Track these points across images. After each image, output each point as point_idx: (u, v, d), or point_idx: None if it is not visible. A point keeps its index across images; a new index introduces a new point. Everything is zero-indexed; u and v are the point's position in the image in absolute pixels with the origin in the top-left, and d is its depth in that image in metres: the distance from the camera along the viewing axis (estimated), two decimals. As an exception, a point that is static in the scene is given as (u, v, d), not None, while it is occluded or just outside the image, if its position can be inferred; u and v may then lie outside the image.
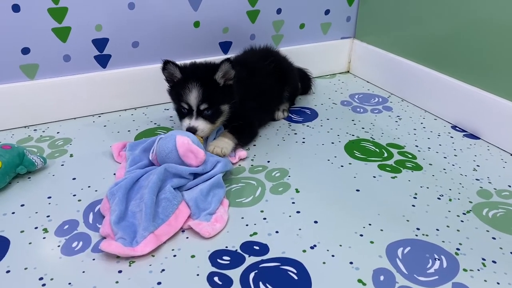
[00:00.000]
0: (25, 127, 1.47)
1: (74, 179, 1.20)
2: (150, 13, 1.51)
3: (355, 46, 1.96)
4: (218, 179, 1.11)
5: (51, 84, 1.46)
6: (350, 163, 1.28)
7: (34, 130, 1.45)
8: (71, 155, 1.31)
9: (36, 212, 1.07)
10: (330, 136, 1.44)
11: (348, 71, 2.02)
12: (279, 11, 1.74)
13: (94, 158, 1.30)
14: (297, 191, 1.15)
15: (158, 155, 1.14)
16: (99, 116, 1.56)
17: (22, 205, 1.10)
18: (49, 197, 1.13)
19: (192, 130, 1.23)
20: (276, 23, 1.76)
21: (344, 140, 1.41)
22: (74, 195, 1.14)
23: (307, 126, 1.50)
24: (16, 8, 1.32)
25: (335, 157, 1.31)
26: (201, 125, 1.25)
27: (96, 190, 1.16)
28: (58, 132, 1.44)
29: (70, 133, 1.44)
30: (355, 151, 1.34)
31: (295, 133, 1.45)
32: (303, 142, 1.40)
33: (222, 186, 1.11)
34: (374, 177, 1.22)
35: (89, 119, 1.53)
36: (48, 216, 1.06)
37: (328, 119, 1.55)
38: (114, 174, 1.22)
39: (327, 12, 1.85)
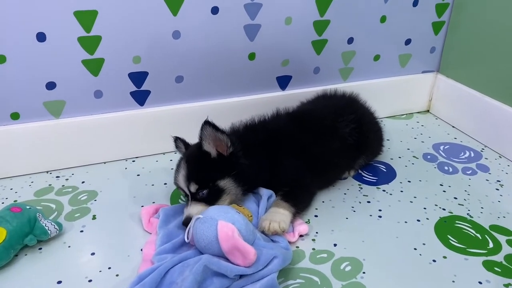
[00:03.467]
0: (47, 172, 1.26)
1: (92, 254, 0.97)
2: (198, 43, 1.27)
3: (438, 81, 1.63)
4: (272, 281, 0.84)
5: (79, 123, 1.24)
6: (444, 257, 0.97)
7: (57, 177, 1.24)
8: (94, 217, 1.09)
9: (39, 306, 0.85)
10: (415, 208, 1.13)
11: (428, 111, 1.69)
12: (350, 40, 1.45)
13: (120, 223, 1.07)
14: (375, 299, 0.86)
15: (196, 242, 0.89)
16: (133, 161, 1.33)
17: (25, 292, 0.87)
18: (59, 282, 0.90)
19: (187, 220, 0.96)
20: (346, 54, 1.47)
21: (434, 217, 1.10)
22: (90, 281, 0.90)
23: (383, 191, 1.20)
24: (41, 37, 1.11)
25: (424, 244, 1.01)
26: (194, 211, 0.97)
27: (117, 275, 0.92)
28: (83, 182, 1.22)
29: (97, 183, 1.21)
30: (449, 236, 1.03)
31: (368, 201, 1.15)
32: (380, 217, 1.10)
33: None
34: (480, 283, 0.90)
35: (121, 165, 1.31)
36: (53, 315, 0.83)
37: (409, 181, 1.24)
38: (142, 250, 0.97)
39: (408, 41, 1.54)
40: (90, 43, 1.16)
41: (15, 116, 1.18)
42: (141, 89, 1.28)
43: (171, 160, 1.34)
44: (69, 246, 1.00)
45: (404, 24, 1.50)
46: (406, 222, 1.08)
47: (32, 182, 1.22)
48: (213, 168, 1.00)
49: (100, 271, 0.93)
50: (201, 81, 1.32)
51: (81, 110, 1.24)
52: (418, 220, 1.08)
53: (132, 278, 0.85)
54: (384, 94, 1.57)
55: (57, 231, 1.00)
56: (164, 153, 1.37)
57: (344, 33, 1.43)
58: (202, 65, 1.30)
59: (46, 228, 0.98)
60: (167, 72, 1.28)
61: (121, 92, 1.26)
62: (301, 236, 1.03)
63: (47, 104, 1.20)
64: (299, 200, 1.06)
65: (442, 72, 1.63)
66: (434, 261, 0.96)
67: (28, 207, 1.00)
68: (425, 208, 1.13)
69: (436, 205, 1.14)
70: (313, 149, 1.12)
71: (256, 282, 0.84)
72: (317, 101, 1.28)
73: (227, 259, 0.85)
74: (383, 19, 1.45)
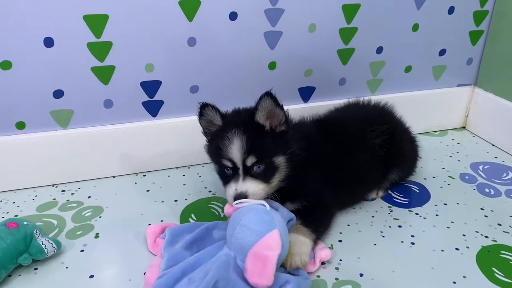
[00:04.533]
0: (52, 185, 1.19)
1: (91, 277, 0.88)
2: (215, 51, 1.18)
3: (476, 96, 1.50)
4: None
5: (87, 134, 1.17)
6: (489, 292, 0.84)
7: (62, 191, 1.17)
8: (97, 235, 1.00)
9: (28, 334, 0.76)
10: (452, 235, 1.00)
11: (464, 127, 1.55)
12: (379, 50, 1.34)
13: (124, 242, 0.98)
14: None
15: (233, 220, 0.82)
16: (144, 176, 1.24)
17: (14, 318, 0.79)
18: (52, 308, 0.81)
19: (241, 197, 0.87)
20: (374, 64, 1.36)
21: (475, 245, 0.96)
22: (86, 308, 0.81)
23: (416, 214, 1.07)
24: (49, 42, 1.05)
25: (465, 277, 0.87)
26: (252, 187, 0.89)
27: (115, 301, 0.82)
28: (89, 197, 1.14)
29: (103, 198, 1.13)
30: (494, 269, 0.90)
31: (399, 226, 1.03)
32: (412, 244, 0.97)
33: None
34: (534, 327, 0.77)
35: (131, 179, 1.22)
36: None
37: (445, 204, 1.11)
38: (145, 273, 0.88)
39: (442, 52, 1.42)
40: (100, 49, 1.10)
41: (20, 126, 1.12)
42: (153, 99, 1.20)
43: (183, 175, 1.25)
44: (67, 267, 0.91)
45: (439, 33, 1.38)
46: (442, 250, 0.95)
47: (36, 195, 1.14)
48: (271, 142, 0.91)
49: (97, 296, 0.84)
50: (218, 91, 1.23)
51: (90, 120, 1.17)
52: (457, 249, 0.95)
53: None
54: (416, 109, 1.44)
55: (55, 250, 0.92)
56: (177, 168, 1.28)
57: (373, 42, 1.33)
58: (218, 75, 1.22)
59: (43, 246, 0.90)
60: (181, 81, 1.20)
61: (132, 102, 1.18)
62: (323, 263, 0.91)
63: (54, 114, 1.13)
64: (320, 224, 0.95)
65: (479, 85, 1.50)
66: (477, 297, 0.83)
67: (25, 222, 0.93)
68: (464, 235, 1.00)
69: (477, 231, 1.01)
70: (336, 159, 1.01)
71: None
72: (347, 108, 1.17)
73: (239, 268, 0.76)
74: (415, 27, 1.34)
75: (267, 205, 0.84)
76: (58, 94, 1.12)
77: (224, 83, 1.23)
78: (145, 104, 1.20)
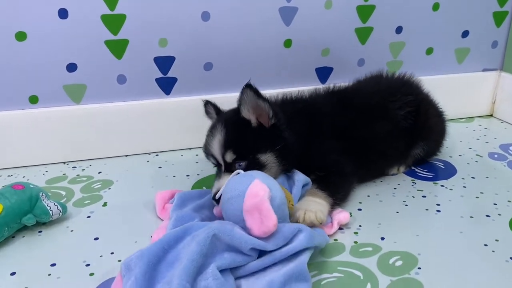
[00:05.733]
0: (63, 163, 1.17)
1: (96, 239, 0.84)
2: (228, 27, 1.17)
3: (502, 81, 1.43)
4: (301, 266, 0.67)
5: (100, 110, 1.15)
6: (526, 254, 0.76)
7: (73, 167, 1.14)
8: (105, 204, 0.97)
9: (25, 288, 0.72)
10: (482, 203, 0.92)
11: (492, 115, 1.48)
12: (399, 29, 1.30)
13: (133, 210, 0.94)
14: (435, 298, 0.67)
15: (223, 194, 0.76)
16: (157, 155, 1.21)
17: (13, 274, 0.75)
18: (53, 265, 0.77)
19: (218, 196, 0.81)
20: (394, 45, 1.32)
21: (508, 213, 0.89)
22: (88, 265, 0.77)
23: (442, 186, 1.01)
24: (63, 13, 1.06)
25: (497, 241, 0.80)
26: None
27: (119, 260, 0.78)
28: (99, 172, 1.11)
29: (114, 173, 1.10)
30: (531, 233, 0.82)
31: (423, 196, 0.96)
32: (438, 211, 0.90)
33: (306, 278, 0.66)
34: None
35: (143, 158, 1.19)
36: (37, 297, 0.69)
37: (473, 177, 1.04)
38: (151, 236, 0.83)
39: (465, 34, 1.37)
40: (114, 21, 1.09)
41: (33, 100, 1.11)
42: (167, 75, 1.18)
43: (196, 154, 1.21)
44: (71, 231, 0.87)
45: (461, 13, 1.34)
46: (471, 217, 0.88)
47: (46, 171, 1.12)
48: (254, 138, 0.86)
49: (101, 256, 0.79)
50: (232, 69, 1.21)
51: (103, 96, 1.15)
52: (488, 216, 0.88)
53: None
54: (439, 94, 1.36)
55: (60, 213, 0.89)
56: (190, 149, 1.25)
57: (392, 21, 1.29)
58: (233, 52, 1.19)
59: (48, 208, 0.87)
60: (195, 58, 1.18)
61: (145, 78, 1.17)
62: (341, 228, 0.85)
63: (67, 88, 1.12)
64: (337, 190, 0.89)
65: (506, 69, 1.43)
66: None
67: (31, 185, 0.90)
68: (495, 204, 0.92)
69: (509, 201, 0.93)
70: (356, 130, 0.96)
71: (280, 266, 0.67)
72: (369, 79, 1.11)
73: (243, 229, 0.70)
74: (435, 6, 1.31)
75: (241, 171, 0.79)
76: (71, 67, 1.11)
77: (238, 60, 1.21)
78: (158, 80, 1.18)
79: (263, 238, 0.69)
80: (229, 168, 0.85)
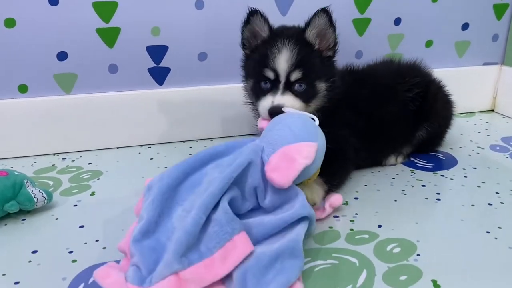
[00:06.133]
0: (53, 154, 1.14)
1: (81, 227, 0.81)
2: (224, 16, 1.14)
3: (504, 75, 1.40)
4: (294, 243, 0.63)
5: (90, 101, 1.13)
6: (531, 242, 0.72)
7: (63, 158, 1.11)
8: (93, 193, 0.93)
9: (4, 275, 0.68)
10: (484, 193, 0.89)
11: (493, 110, 1.45)
12: (397, 21, 1.28)
13: (121, 199, 0.90)
14: (435, 284, 0.63)
15: (276, 119, 0.79)
16: (149, 147, 1.18)
17: (-8, 261, 0.72)
18: (34, 252, 0.74)
19: (276, 110, 0.82)
20: (393, 37, 1.29)
21: (510, 201, 0.85)
22: (71, 252, 0.74)
23: (442, 176, 0.97)
24: (54, 0, 1.03)
25: (500, 228, 0.76)
26: (290, 102, 0.84)
27: (104, 248, 0.75)
28: (89, 163, 1.08)
29: (104, 164, 1.07)
30: (535, 221, 0.78)
31: (423, 185, 0.93)
32: (438, 200, 0.87)
33: (299, 256, 0.63)
34: None
35: (135, 150, 1.16)
36: (16, 283, 0.66)
37: (474, 168, 1.01)
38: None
39: (465, 26, 1.34)
40: (105, 9, 1.07)
41: (23, 89, 1.09)
42: (160, 65, 1.15)
43: (190, 147, 1.18)
44: (56, 219, 0.84)
45: (460, 5, 1.31)
46: (473, 205, 0.84)
47: (35, 162, 1.09)
48: (319, 64, 0.87)
49: (85, 243, 0.76)
50: (227, 59, 1.18)
51: (94, 85, 1.13)
52: (490, 204, 0.84)
53: (123, 252, 0.70)
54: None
55: (45, 201, 0.85)
56: (184, 141, 1.22)
57: (390, 11, 1.27)
58: (227, 42, 1.16)
59: (32, 195, 0.84)
60: (189, 47, 1.15)
61: (138, 67, 1.14)
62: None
63: (57, 77, 1.10)
64: (333, 176, 0.87)
65: (507, 63, 1.40)
66: (516, 245, 0.71)
67: (16, 172, 0.87)
68: (497, 193, 0.89)
69: (512, 190, 0.90)
70: (365, 107, 0.94)
71: (274, 240, 0.64)
72: (380, 63, 1.10)
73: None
74: (434, -3, 1.28)
75: (317, 120, 0.80)
76: (62, 56, 1.08)
77: (233, 50, 1.17)
78: (151, 70, 1.15)
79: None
80: (289, 87, 0.85)
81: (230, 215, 0.64)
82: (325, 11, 0.83)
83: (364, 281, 0.64)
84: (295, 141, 0.72)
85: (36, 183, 0.89)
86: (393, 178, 0.96)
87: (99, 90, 1.13)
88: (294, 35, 0.86)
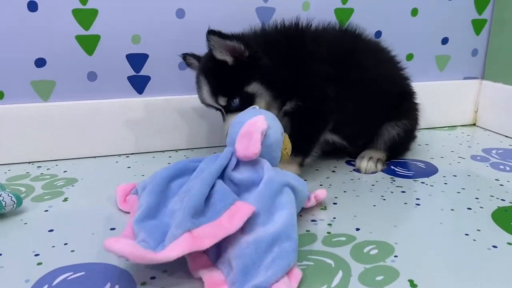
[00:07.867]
0: (29, 163, 1.11)
1: (51, 231, 0.78)
2: (204, 26, 1.13)
3: (484, 88, 1.42)
4: (290, 225, 0.65)
5: (69, 108, 1.11)
6: (509, 243, 0.71)
7: (38, 167, 1.09)
8: (65, 199, 0.90)
9: (-37, 278, 0.65)
10: (463, 198, 0.88)
11: (475, 124, 1.46)
12: (378, 34, 1.29)
13: (94, 205, 0.88)
14: (412, 284, 0.61)
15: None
16: (127, 157, 1.16)
17: (-49, 264, 0.68)
18: (-1, 255, 0.70)
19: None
20: (373, 50, 1.30)
21: (490, 206, 0.84)
22: (37, 255, 0.70)
23: (422, 183, 0.96)
24: (32, 6, 1.03)
25: (479, 230, 0.75)
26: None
27: (72, 251, 0.72)
28: (65, 171, 1.06)
29: (80, 173, 1.05)
30: (514, 224, 0.77)
31: (403, 191, 0.92)
32: (418, 205, 0.85)
33: (292, 237, 0.64)
34: None
35: (113, 159, 1.14)
36: (-25, 287, 0.63)
37: (455, 175, 1.00)
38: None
39: (445, 41, 1.36)
40: (85, 16, 1.07)
41: (-1, 96, 1.07)
42: (140, 74, 1.15)
43: (170, 156, 1.16)
44: (25, 223, 0.81)
45: (439, 19, 1.34)
46: (452, 209, 0.83)
47: (8, 170, 1.06)
48: (235, 75, 0.89)
49: (53, 247, 0.73)
50: (208, 69, 1.18)
51: (72, 93, 1.11)
52: (469, 208, 0.83)
53: (92, 255, 0.70)
54: (421, 102, 1.36)
55: (14, 205, 0.82)
56: (163, 151, 1.20)
57: (371, 24, 1.27)
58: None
59: (1, 198, 0.81)
60: (169, 56, 1.15)
61: (117, 75, 1.13)
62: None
63: (35, 84, 1.08)
64: (302, 146, 0.96)
65: (487, 78, 1.42)
66: (494, 246, 0.70)
67: (-15, 176, 0.85)
68: (477, 198, 0.88)
69: (492, 196, 0.89)
70: (350, 57, 0.99)
71: (269, 226, 0.65)
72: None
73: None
74: (414, 12, 1.30)
75: (257, 107, 0.85)
76: (40, 62, 1.07)
77: (214, 60, 1.18)
78: (130, 79, 1.14)
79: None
80: (228, 109, 0.92)
81: (228, 189, 0.70)
82: (211, 32, 0.84)
83: (339, 282, 0.62)
84: (244, 123, 0.78)
85: (7, 189, 0.86)
86: (372, 185, 0.95)
87: (78, 98, 1.12)
88: (205, 65, 0.94)
